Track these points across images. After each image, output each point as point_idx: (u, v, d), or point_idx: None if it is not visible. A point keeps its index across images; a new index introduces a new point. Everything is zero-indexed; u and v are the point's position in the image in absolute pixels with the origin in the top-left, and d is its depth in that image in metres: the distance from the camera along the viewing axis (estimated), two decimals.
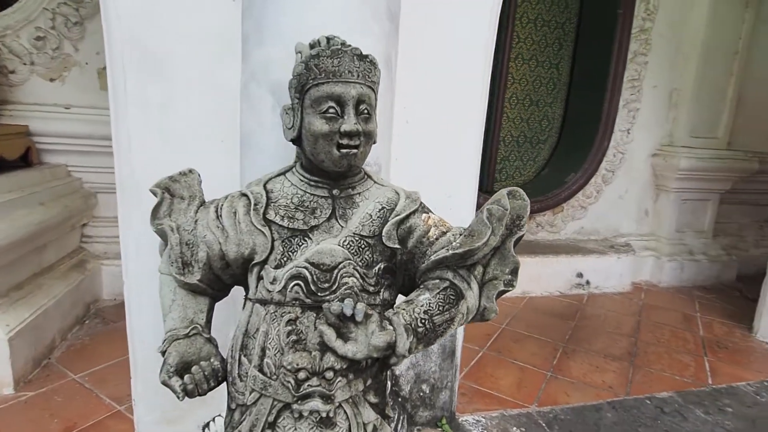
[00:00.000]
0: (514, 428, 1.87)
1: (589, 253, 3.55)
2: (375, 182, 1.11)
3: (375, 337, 0.90)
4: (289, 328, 0.96)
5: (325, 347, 0.93)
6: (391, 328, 0.92)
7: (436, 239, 1.02)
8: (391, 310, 0.96)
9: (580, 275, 3.49)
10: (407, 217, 1.04)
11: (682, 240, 3.94)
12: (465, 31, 1.62)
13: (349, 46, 0.99)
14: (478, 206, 1.17)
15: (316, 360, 0.94)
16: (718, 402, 2.13)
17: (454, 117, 1.68)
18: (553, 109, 3.95)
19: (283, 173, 1.10)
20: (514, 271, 1.02)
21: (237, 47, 1.43)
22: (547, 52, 3.81)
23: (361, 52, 0.99)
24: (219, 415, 1.61)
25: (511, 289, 1.03)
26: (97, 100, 2.75)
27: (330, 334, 0.90)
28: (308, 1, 1.28)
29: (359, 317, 0.89)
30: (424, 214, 1.06)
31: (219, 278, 1.07)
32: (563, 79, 3.93)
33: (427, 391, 1.79)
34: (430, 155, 1.69)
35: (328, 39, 1.02)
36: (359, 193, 1.07)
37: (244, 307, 1.07)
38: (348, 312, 0.89)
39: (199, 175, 1.12)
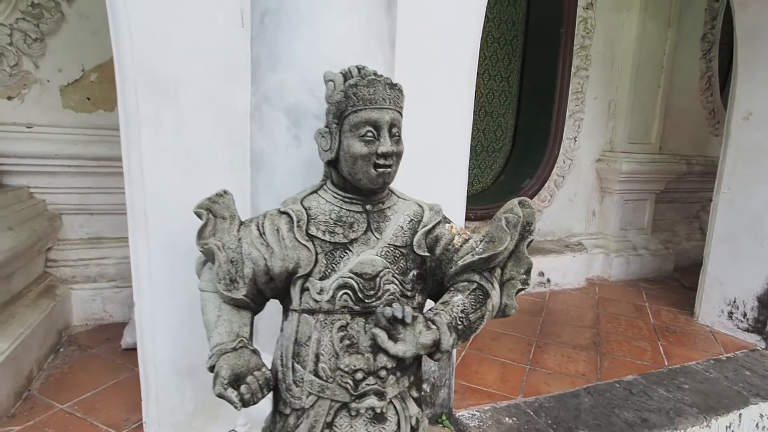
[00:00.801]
0: (506, 419, 2.01)
1: (548, 253, 3.82)
2: (398, 197, 1.21)
3: (423, 336, 1.00)
4: (342, 333, 1.04)
5: (376, 348, 1.02)
6: (435, 327, 1.02)
7: (461, 246, 1.14)
8: (430, 311, 1.06)
9: (541, 274, 3.74)
10: (433, 227, 1.15)
11: (626, 237, 4.32)
12: (451, 56, 1.75)
13: (381, 76, 1.09)
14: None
15: (371, 361, 1.03)
16: (675, 381, 2.39)
17: (443, 131, 1.81)
18: (506, 120, 4.22)
19: (315, 191, 1.17)
20: (528, 271, 1.16)
21: (245, 71, 1.48)
22: (498, 66, 4.07)
23: (392, 81, 1.09)
24: (233, 430, 1.63)
25: (526, 287, 1.17)
26: (60, 118, 2.65)
27: (383, 336, 0.99)
28: (320, 31, 1.36)
29: (408, 319, 0.99)
30: (447, 224, 1.18)
31: (261, 292, 1.12)
32: (513, 91, 4.21)
33: (428, 390, 1.89)
34: (422, 169, 1.80)
35: (359, 69, 1.11)
36: (389, 207, 1.16)
37: (286, 318, 1.13)
38: (399, 315, 0.98)
39: (232, 195, 1.17)
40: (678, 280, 4.15)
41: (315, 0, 1.35)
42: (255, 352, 1.11)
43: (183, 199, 1.47)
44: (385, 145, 1.06)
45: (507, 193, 4.07)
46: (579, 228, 4.34)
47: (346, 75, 1.10)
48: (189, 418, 1.62)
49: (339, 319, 1.05)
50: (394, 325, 1.00)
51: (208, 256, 1.12)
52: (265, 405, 1.27)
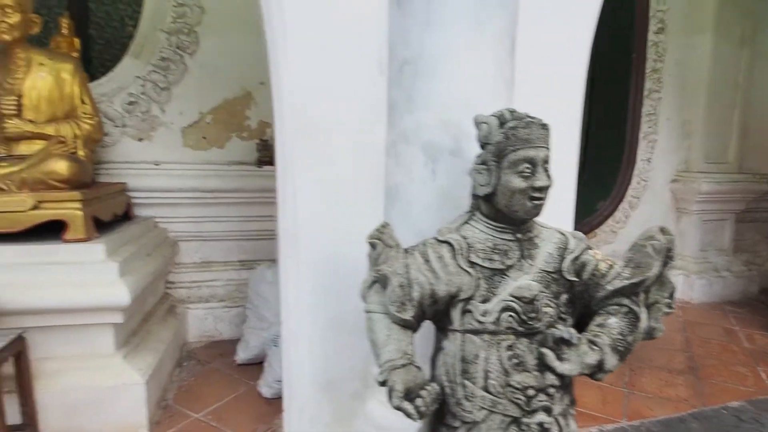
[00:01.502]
0: None
1: None
2: (539, 225, 1.33)
3: (587, 357, 1.11)
4: (510, 352, 1.16)
5: (543, 367, 1.13)
6: (597, 348, 1.13)
7: (607, 272, 1.24)
8: (588, 333, 1.17)
9: None
10: (580, 254, 1.26)
11: (707, 258, 4.22)
12: (559, 97, 1.88)
13: (534, 117, 1.23)
14: None
15: (540, 378, 1.14)
16: None
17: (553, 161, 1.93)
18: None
19: (466, 222, 1.32)
20: (672, 295, 1.25)
21: (382, 112, 1.67)
22: None
23: (543, 122, 1.23)
24: None
25: (671, 311, 1.25)
26: (180, 156, 2.96)
27: (551, 356, 1.11)
28: (455, 76, 1.53)
29: (574, 340, 1.10)
30: (590, 251, 1.29)
31: (424, 314, 1.26)
32: (584, 116, 4.26)
33: None
34: None
35: (511, 111, 1.26)
36: (536, 236, 1.29)
37: (446, 338, 1.27)
38: (566, 336, 1.10)
39: (391, 226, 1.33)
40: (765, 302, 4.01)
41: (451, 51, 1.52)
42: (419, 368, 1.25)
43: (328, 227, 1.67)
44: (542, 180, 1.19)
45: (581, 215, 4.10)
46: None
47: (501, 117, 1.25)
48: (326, 428, 1.77)
49: (505, 339, 1.17)
50: (559, 346, 1.12)
51: (381, 282, 1.27)
52: (395, 417, 1.40)
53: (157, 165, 2.85)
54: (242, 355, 2.66)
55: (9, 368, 1.80)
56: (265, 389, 2.35)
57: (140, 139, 2.89)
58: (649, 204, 4.22)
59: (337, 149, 1.64)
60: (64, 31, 2.60)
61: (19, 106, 2.21)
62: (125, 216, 2.62)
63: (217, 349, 2.89)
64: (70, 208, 2.05)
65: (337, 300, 1.72)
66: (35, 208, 2.01)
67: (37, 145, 2.26)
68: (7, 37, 2.16)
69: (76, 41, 2.64)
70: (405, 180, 1.63)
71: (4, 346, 1.71)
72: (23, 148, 2.25)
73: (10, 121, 2.18)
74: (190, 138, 2.98)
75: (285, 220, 1.65)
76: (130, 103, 2.84)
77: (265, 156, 3.03)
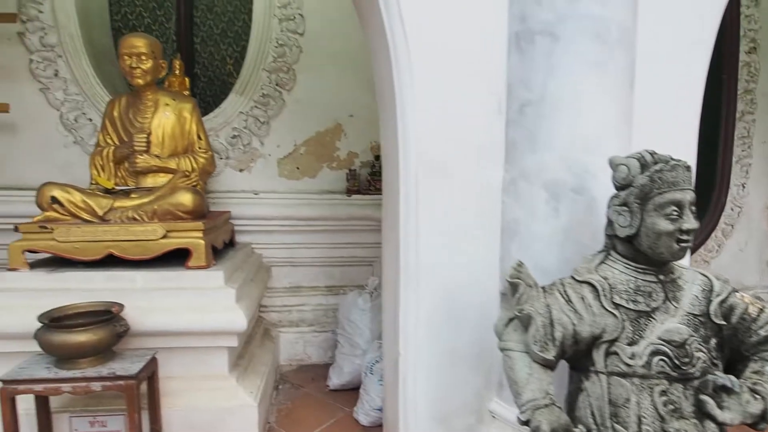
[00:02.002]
0: None
1: None
2: (679, 267, 1.31)
3: (750, 406, 1.08)
4: (664, 398, 1.14)
5: (702, 415, 1.11)
6: (760, 397, 1.09)
7: (758, 316, 1.21)
8: (747, 381, 1.14)
9: None
10: (727, 297, 1.23)
11: None
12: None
13: (679, 160, 1.23)
14: None
15: (698, 427, 1.12)
16: None
17: None
18: None
19: (603, 261, 1.32)
20: None
21: (500, 151, 1.71)
22: None
23: (687, 164, 1.22)
24: None
25: None
26: (276, 185, 3.13)
27: (712, 403, 1.08)
28: (578, 116, 1.55)
29: (736, 388, 1.07)
30: (737, 293, 1.25)
31: (564, 353, 1.27)
32: None
33: None
34: None
35: (652, 154, 1.26)
36: (678, 277, 1.27)
37: (587, 379, 1.26)
38: (728, 384, 1.07)
39: (525, 265, 1.36)
40: None
41: (573, 92, 1.55)
42: (561, 408, 1.25)
43: (447, 261, 1.71)
44: (690, 223, 1.18)
45: None
46: (752, 280, 4.03)
47: (641, 159, 1.26)
48: None
49: (657, 384, 1.16)
50: (719, 393, 1.09)
51: (522, 320, 1.29)
52: None
53: (256, 194, 3.03)
54: (335, 380, 2.73)
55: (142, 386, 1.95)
56: (363, 416, 2.40)
57: (241, 170, 3.09)
58: (743, 232, 3.99)
59: (457, 187, 1.69)
60: (177, 71, 2.84)
61: (148, 143, 2.42)
62: (230, 243, 2.78)
63: (308, 373, 2.97)
64: (193, 237, 2.22)
65: (453, 333, 1.75)
66: (164, 237, 2.18)
67: (160, 178, 2.47)
68: (141, 81, 2.40)
69: (187, 80, 2.87)
70: (525, 216, 1.65)
71: (144, 366, 1.86)
72: (149, 180, 2.46)
73: (140, 157, 2.40)
74: (285, 168, 3.15)
75: (407, 254, 1.71)
76: (234, 137, 3.04)
77: (354, 185, 3.14)
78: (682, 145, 1.84)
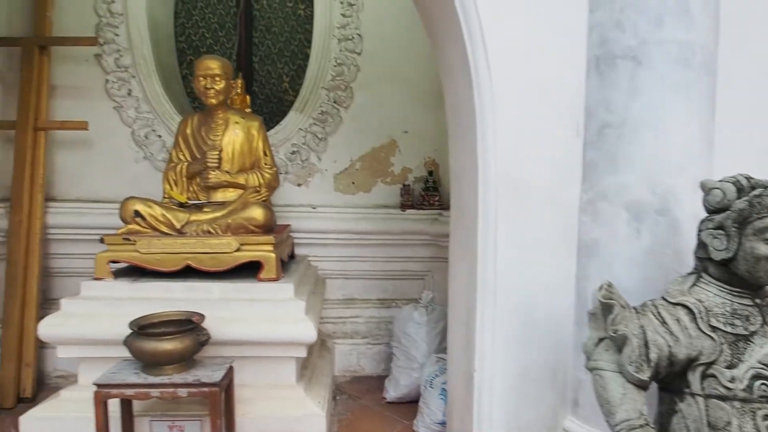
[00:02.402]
0: None
1: None
2: None
3: None
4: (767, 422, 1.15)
5: None
6: None
7: None
8: None
9: None
10: None
11: None
12: None
13: None
14: None
15: None
16: None
17: None
18: None
19: (695, 284, 1.33)
20: None
21: (577, 172, 1.74)
22: None
23: None
24: None
25: None
26: (332, 200, 3.22)
27: None
28: (662, 139, 1.58)
29: None
30: None
31: (657, 375, 1.29)
32: None
33: None
34: None
35: (748, 179, 1.28)
36: None
37: (682, 401, 1.28)
38: None
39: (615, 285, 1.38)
40: None
41: (658, 114, 1.58)
42: (655, 429, 1.26)
43: (523, 279, 1.75)
44: None
45: None
46: None
47: (737, 184, 1.27)
48: None
49: (760, 408, 1.16)
50: None
51: (616, 341, 1.32)
52: None
53: (314, 208, 3.12)
54: (392, 393, 2.77)
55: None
56: (423, 430, 2.43)
57: (299, 185, 3.19)
58: None
59: (534, 205, 1.73)
60: (239, 90, 2.97)
61: (219, 159, 2.54)
62: (291, 256, 2.87)
63: (363, 384, 3.02)
64: (264, 251, 2.31)
65: (528, 350, 1.77)
66: (238, 250, 2.28)
67: (230, 193, 2.58)
68: (214, 101, 2.52)
69: (248, 98, 3.00)
70: (605, 237, 1.68)
71: (224, 374, 1.94)
72: (219, 195, 2.57)
73: (212, 173, 2.51)
74: (340, 183, 3.24)
75: (485, 271, 1.75)
76: (293, 152, 3.15)
77: (408, 200, 3.20)
78: (765, 168, 1.84)
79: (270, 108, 3.52)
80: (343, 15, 3.12)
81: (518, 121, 1.70)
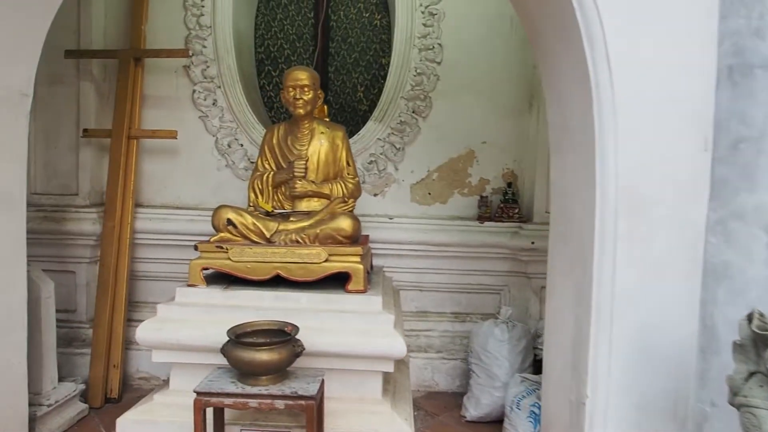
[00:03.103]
0: None
1: None
2: None
3: None
4: None
5: None
6: None
7: None
8: None
9: None
10: None
11: None
12: None
13: None
14: None
15: None
16: None
17: None
18: None
19: None
20: None
21: (704, 188, 1.62)
22: None
23: None
24: None
25: None
26: (407, 210, 3.19)
27: None
28: None
29: None
30: None
31: None
32: None
33: None
34: None
35: None
36: None
37: None
38: None
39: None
40: None
41: None
42: None
43: (642, 300, 1.64)
44: None
45: None
46: None
47: None
48: None
49: None
50: None
51: None
52: None
53: (390, 219, 3.09)
54: (473, 412, 2.68)
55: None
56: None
57: (375, 194, 3.17)
58: None
59: (657, 225, 1.62)
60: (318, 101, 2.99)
61: (306, 169, 2.55)
62: (371, 266, 2.85)
63: (438, 400, 2.95)
64: (352, 262, 2.29)
65: (645, 377, 1.65)
66: (326, 260, 2.27)
67: (314, 203, 2.58)
68: (302, 111, 2.54)
69: (326, 108, 3.01)
70: (738, 260, 1.55)
71: (318, 387, 1.92)
72: (303, 205, 2.58)
73: (299, 182, 2.53)
74: (417, 194, 3.20)
75: (600, 291, 1.65)
76: (370, 162, 3.14)
77: (486, 212, 3.12)
78: None
79: (344, 118, 3.54)
80: (425, 25, 3.09)
81: (642, 135, 1.60)
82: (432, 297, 3.22)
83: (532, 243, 2.97)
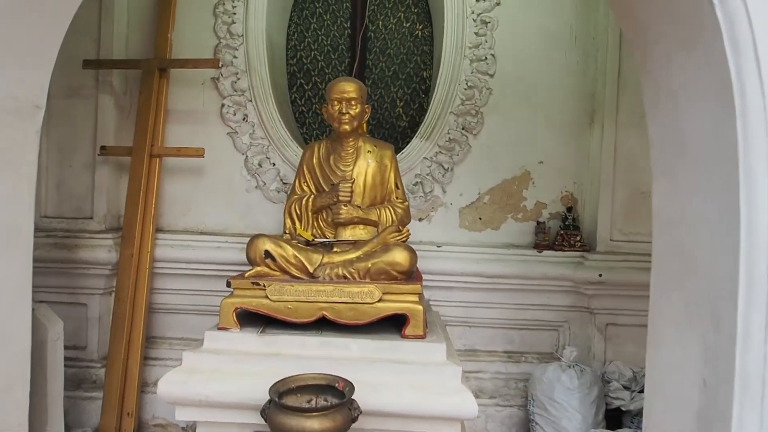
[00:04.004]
0: None
1: None
2: None
3: None
4: None
5: None
6: None
7: None
8: None
9: None
10: None
11: None
12: None
13: None
14: None
15: None
16: None
17: None
18: None
19: None
20: None
21: None
22: None
23: None
24: None
25: None
26: (455, 237, 2.87)
27: None
28: None
29: None
30: None
31: None
32: None
33: None
34: None
35: None
36: None
37: None
38: None
39: None
40: None
41: None
42: None
43: None
44: None
45: None
46: None
47: None
48: None
49: None
50: None
51: None
52: None
53: (438, 247, 2.77)
54: None
55: None
56: None
57: (420, 219, 2.86)
58: None
59: None
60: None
61: (351, 192, 2.24)
62: None
63: None
64: (410, 302, 1.96)
65: None
66: (380, 300, 1.95)
67: (359, 230, 2.26)
68: (348, 127, 2.25)
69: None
70: None
71: None
72: (347, 233, 2.27)
73: (344, 207, 2.22)
74: (466, 219, 2.88)
75: (747, 354, 1.31)
76: (415, 184, 2.84)
77: (544, 239, 2.79)
78: None
79: (381, 134, 3.25)
80: (476, 34, 2.81)
81: None
82: (482, 334, 2.88)
83: (600, 275, 2.64)
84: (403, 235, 2.18)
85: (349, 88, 2.23)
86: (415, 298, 1.98)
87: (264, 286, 1.97)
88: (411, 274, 2.07)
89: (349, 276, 2.02)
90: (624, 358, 2.75)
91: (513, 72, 2.83)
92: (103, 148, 2.69)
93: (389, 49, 3.26)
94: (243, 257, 2.70)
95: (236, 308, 1.98)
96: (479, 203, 2.88)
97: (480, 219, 2.88)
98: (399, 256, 2.01)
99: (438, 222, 2.87)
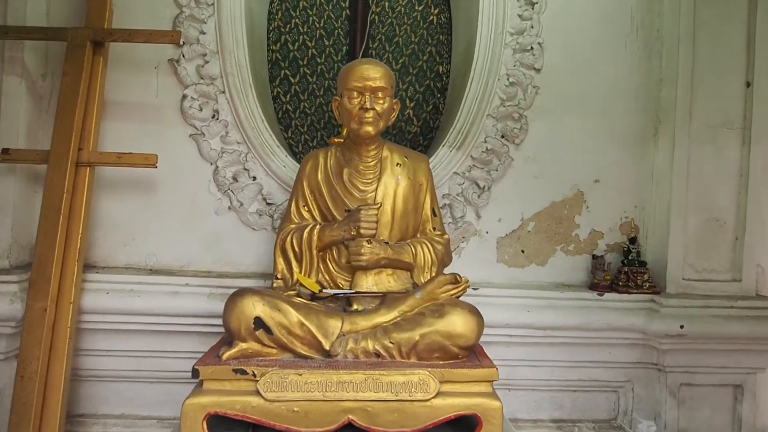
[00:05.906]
0: None
1: None
2: None
3: None
4: None
5: None
6: None
7: None
8: None
9: None
10: None
11: None
12: None
13: None
14: None
15: None
16: None
17: None
18: None
19: None
20: None
21: None
22: None
23: None
24: None
25: None
26: (491, 274, 2.24)
27: None
28: None
29: None
30: None
31: None
32: None
33: None
34: None
35: None
36: None
37: None
38: None
39: None
40: None
41: None
42: None
43: None
44: None
45: None
46: None
47: None
48: None
49: None
50: None
51: None
52: None
53: (475, 290, 2.11)
54: None
55: None
56: None
57: None
58: None
59: None
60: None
61: (377, 222, 1.56)
62: None
63: None
64: (481, 394, 1.30)
65: None
66: (438, 394, 1.27)
67: (386, 276, 1.59)
68: (372, 130, 1.58)
69: None
70: None
71: None
72: (369, 280, 1.58)
73: (367, 245, 1.52)
74: (505, 251, 2.25)
75: None
76: (443, 207, 2.18)
77: (605, 278, 2.20)
78: None
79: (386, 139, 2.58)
80: (520, 17, 2.21)
81: None
82: (524, 398, 2.24)
83: (681, 327, 2.07)
84: (459, 289, 1.51)
85: (375, 73, 1.57)
86: (488, 387, 1.32)
87: (254, 375, 1.25)
88: (472, 349, 1.41)
89: (384, 353, 1.33)
90: (700, 426, 2.20)
91: (564, 67, 2.25)
92: (5, 151, 1.87)
93: (397, 37, 2.61)
94: (209, 306, 1.98)
95: (208, 414, 1.24)
96: (522, 231, 2.26)
97: (523, 252, 2.26)
98: (461, 324, 1.35)
99: (470, 255, 2.22)
